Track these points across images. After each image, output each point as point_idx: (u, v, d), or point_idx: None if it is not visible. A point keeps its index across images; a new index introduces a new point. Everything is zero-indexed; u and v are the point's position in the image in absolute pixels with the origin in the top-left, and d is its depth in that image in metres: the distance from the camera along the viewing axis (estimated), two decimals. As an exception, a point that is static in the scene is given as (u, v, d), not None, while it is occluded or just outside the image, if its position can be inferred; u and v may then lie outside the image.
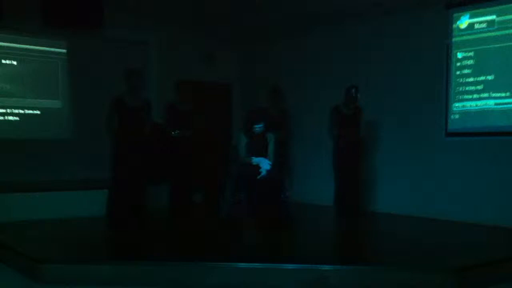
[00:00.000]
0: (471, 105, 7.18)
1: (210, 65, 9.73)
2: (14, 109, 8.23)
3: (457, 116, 7.31)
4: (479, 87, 7.10)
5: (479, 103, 7.09)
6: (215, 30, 9.27)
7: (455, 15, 7.32)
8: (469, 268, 4.56)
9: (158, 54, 9.21)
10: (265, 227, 6.25)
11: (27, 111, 8.34)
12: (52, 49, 8.52)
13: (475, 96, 7.14)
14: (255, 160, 6.50)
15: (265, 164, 6.48)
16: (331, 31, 8.73)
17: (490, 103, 6.98)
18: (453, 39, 7.36)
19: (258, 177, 6.42)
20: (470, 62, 7.23)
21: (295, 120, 8.74)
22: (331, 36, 8.80)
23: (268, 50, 9.83)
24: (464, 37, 7.28)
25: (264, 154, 6.61)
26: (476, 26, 7.16)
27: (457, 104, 7.31)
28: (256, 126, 6.56)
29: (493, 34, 6.99)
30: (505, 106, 6.83)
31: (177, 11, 8.31)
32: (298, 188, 8.44)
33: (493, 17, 6.95)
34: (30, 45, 8.32)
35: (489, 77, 7.01)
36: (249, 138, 6.61)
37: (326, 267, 4.52)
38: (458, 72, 7.32)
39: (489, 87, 7.00)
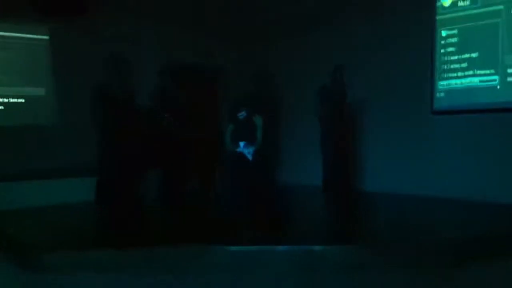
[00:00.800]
0: (456, 83, 7.24)
1: (200, 50, 9.61)
2: (-1, 97, 8.13)
3: (442, 94, 7.38)
4: (464, 65, 7.16)
5: (464, 80, 7.16)
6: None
7: (439, -7, 7.36)
8: (462, 244, 4.66)
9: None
10: (257, 210, 6.30)
11: (11, 100, 8.24)
12: (35, 36, 8.39)
13: (459, 74, 7.21)
14: (241, 146, 6.54)
15: (247, 149, 6.53)
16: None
17: (475, 80, 7.05)
18: (437, 17, 7.40)
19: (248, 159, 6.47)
20: (454, 40, 7.28)
21: (285, 99, 8.71)
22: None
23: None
24: (448, 15, 7.32)
25: (252, 139, 6.63)
26: (460, 3, 7.20)
27: (442, 83, 7.37)
28: (239, 114, 6.58)
29: (476, 11, 7.03)
30: (489, 83, 6.90)
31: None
32: (288, 170, 8.47)
33: (476, -6, 7.00)
34: (11, 32, 8.19)
35: (473, 55, 7.07)
36: (235, 124, 6.62)
37: (318, 247, 4.57)
38: (442, 50, 7.37)
39: (473, 64, 7.06)
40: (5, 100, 8.18)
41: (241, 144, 6.70)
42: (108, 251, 4.67)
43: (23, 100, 8.33)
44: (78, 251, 4.71)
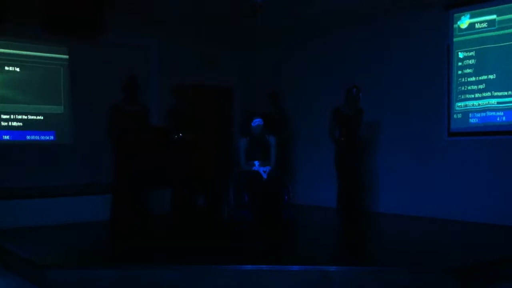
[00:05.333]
0: (473, 104, 7.18)
1: (211, 69, 9.72)
2: (18, 115, 8.27)
3: (459, 116, 7.32)
4: (481, 86, 7.10)
5: (481, 102, 7.09)
6: (216, 34, 9.30)
7: (455, 15, 7.34)
8: (469, 268, 4.58)
9: (159, 58, 9.23)
10: (268, 229, 6.26)
11: (30, 117, 8.38)
12: (54, 55, 8.56)
13: (477, 95, 7.15)
14: (257, 165, 6.54)
15: (263, 168, 6.53)
16: (332, 33, 8.76)
17: (492, 102, 6.98)
18: (454, 39, 7.37)
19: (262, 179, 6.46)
20: (472, 61, 7.24)
21: (297, 122, 8.74)
22: (331, 37, 8.83)
23: (269, 53, 9.84)
24: (465, 37, 7.29)
25: (266, 157, 6.62)
26: (477, 26, 7.18)
27: (459, 104, 7.32)
28: (255, 119, 6.54)
29: (494, 33, 7.00)
30: (507, 105, 6.83)
31: (178, 15, 8.33)
32: (301, 191, 8.44)
33: (494, 16, 6.97)
34: (32, 51, 8.37)
35: (491, 76, 7.02)
36: (249, 138, 6.60)
37: (329, 269, 4.53)
38: (459, 72, 7.33)
39: (491, 86, 7.01)
40: (24, 117, 8.32)
41: (256, 163, 6.69)
42: (115, 270, 4.67)
43: (41, 118, 8.47)
44: (84, 269, 4.72)
